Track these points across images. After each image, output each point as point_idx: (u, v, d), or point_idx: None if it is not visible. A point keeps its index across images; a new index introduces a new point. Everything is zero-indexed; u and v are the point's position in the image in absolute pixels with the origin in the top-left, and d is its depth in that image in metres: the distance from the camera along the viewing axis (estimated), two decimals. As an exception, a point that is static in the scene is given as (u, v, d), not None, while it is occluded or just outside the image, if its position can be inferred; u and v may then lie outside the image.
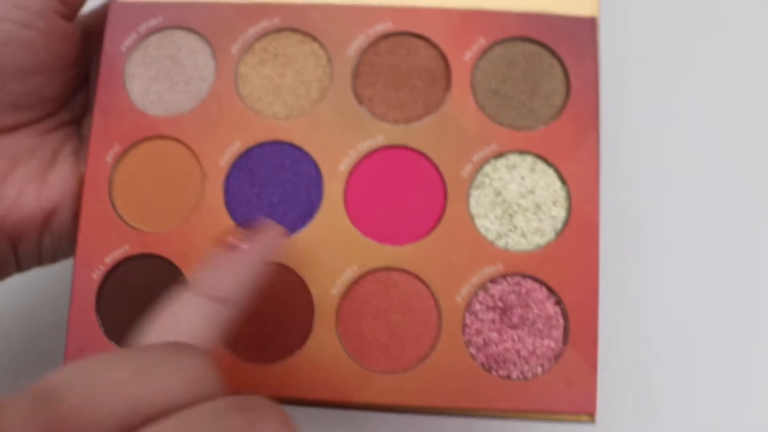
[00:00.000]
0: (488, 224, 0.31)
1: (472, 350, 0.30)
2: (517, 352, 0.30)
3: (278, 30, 0.32)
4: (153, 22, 0.33)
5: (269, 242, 0.27)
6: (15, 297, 0.39)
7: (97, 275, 0.31)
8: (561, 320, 0.30)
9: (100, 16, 0.35)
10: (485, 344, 0.30)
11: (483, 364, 0.30)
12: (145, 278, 0.31)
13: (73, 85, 0.33)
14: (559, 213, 0.31)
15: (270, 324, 0.31)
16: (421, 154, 0.31)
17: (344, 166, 0.31)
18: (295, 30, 0.32)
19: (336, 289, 0.31)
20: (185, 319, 0.24)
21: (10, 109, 0.31)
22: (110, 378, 0.19)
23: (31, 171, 0.32)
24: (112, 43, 0.33)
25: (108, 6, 0.33)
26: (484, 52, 0.32)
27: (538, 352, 0.30)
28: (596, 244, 0.30)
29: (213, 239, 0.31)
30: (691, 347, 0.36)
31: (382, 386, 0.30)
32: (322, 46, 0.32)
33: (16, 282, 0.34)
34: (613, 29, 0.35)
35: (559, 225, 0.30)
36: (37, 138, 0.32)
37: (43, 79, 0.32)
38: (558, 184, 0.31)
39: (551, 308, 0.30)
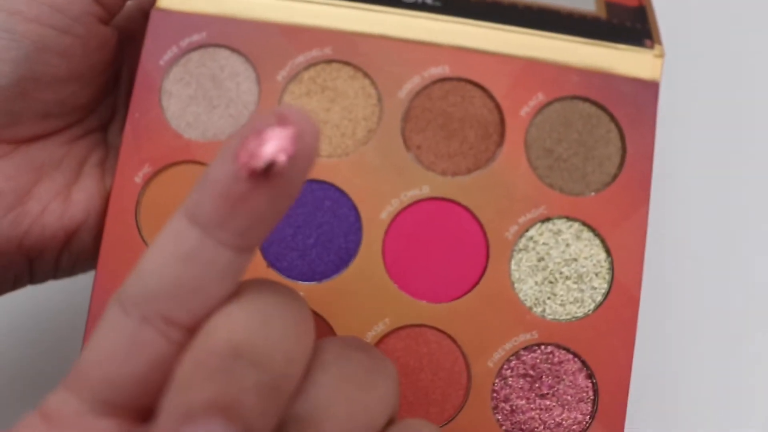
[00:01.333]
0: (527, 289, 0.30)
1: (499, 416, 0.29)
2: (544, 422, 0.30)
3: (329, 61, 0.31)
4: (196, 38, 0.31)
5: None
6: (31, 306, 0.38)
7: (117, 302, 0.30)
8: (591, 394, 0.30)
9: (135, 18, 0.33)
10: (512, 411, 0.30)
11: (508, 431, 0.29)
12: (167, 309, 0.30)
13: (104, 90, 0.32)
14: (601, 285, 0.30)
15: (294, 369, 0.30)
16: (466, 209, 0.30)
17: (386, 214, 0.30)
18: (346, 63, 0.31)
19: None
20: None
21: (40, 119, 0.29)
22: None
23: (56, 185, 0.30)
24: (150, 56, 0.31)
25: (149, 13, 0.31)
26: (542, 108, 0.30)
27: (565, 423, 0.29)
28: (635, 320, 0.30)
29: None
30: (718, 416, 0.36)
31: (405, 445, 0.29)
32: (373, 83, 0.31)
33: (34, 291, 0.33)
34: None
35: (599, 297, 0.30)
36: (64, 147, 0.31)
37: (76, 87, 0.30)
38: (603, 255, 0.30)
39: (582, 381, 0.30)
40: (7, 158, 0.29)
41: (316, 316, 0.30)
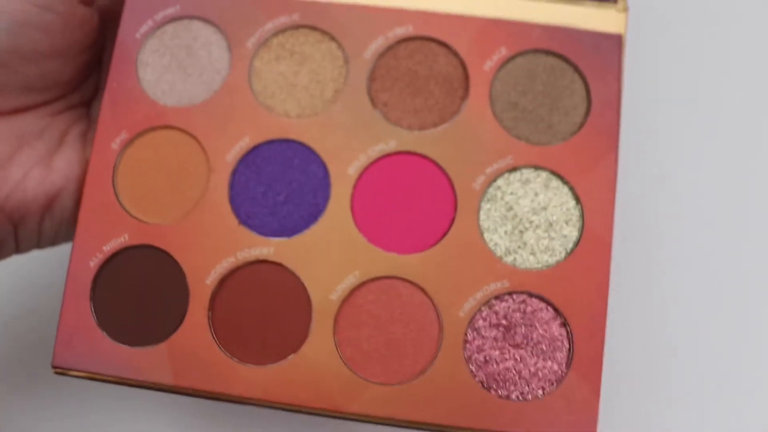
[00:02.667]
0: (497, 239, 0.30)
1: (472, 367, 0.29)
2: (518, 372, 0.29)
3: (297, 27, 0.32)
4: (170, 11, 0.32)
5: None
6: (10, 279, 0.39)
7: (94, 263, 0.31)
8: (566, 343, 0.29)
9: (118, 2, 0.34)
10: (486, 362, 0.29)
11: (482, 383, 0.29)
12: (142, 270, 0.31)
13: (86, 69, 0.33)
14: (571, 232, 0.30)
15: (265, 325, 0.30)
16: (433, 162, 0.30)
17: (353, 169, 0.30)
18: (314, 28, 0.32)
19: (336, 295, 0.30)
20: None
21: (22, 91, 0.31)
22: None
23: (37, 154, 0.31)
24: (127, 30, 0.32)
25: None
26: (505, 62, 0.31)
27: (540, 373, 0.29)
28: (608, 266, 0.29)
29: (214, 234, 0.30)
30: (697, 373, 0.35)
31: (378, 398, 0.29)
32: (339, 46, 0.32)
33: (13, 264, 0.33)
34: (637, 48, 0.34)
35: (570, 245, 0.30)
36: (46, 119, 0.32)
37: (57, 62, 0.31)
38: (572, 202, 0.30)
39: (556, 330, 0.29)
40: None
41: (286, 270, 0.30)
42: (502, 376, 0.29)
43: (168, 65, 0.32)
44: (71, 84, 0.33)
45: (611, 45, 0.31)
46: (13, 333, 0.39)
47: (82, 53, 0.32)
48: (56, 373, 0.30)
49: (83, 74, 0.33)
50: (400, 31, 0.31)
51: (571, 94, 0.31)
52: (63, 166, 0.32)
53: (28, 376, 0.39)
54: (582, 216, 0.30)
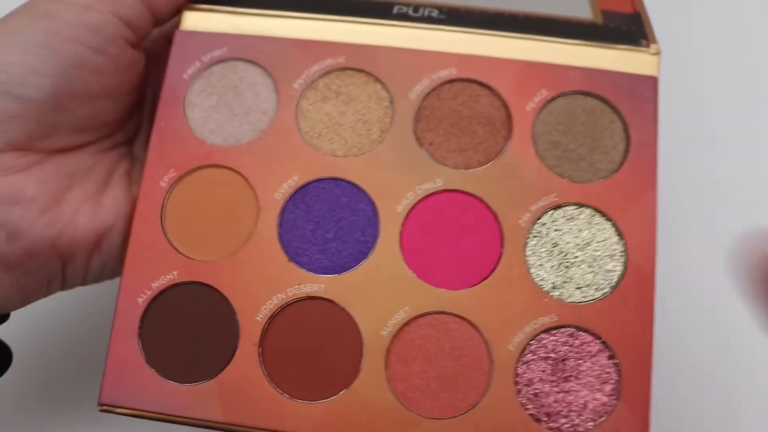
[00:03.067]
0: (543, 274, 0.30)
1: (523, 400, 0.29)
2: (569, 404, 0.29)
3: (342, 69, 0.33)
4: (217, 53, 0.33)
5: None
6: (60, 312, 0.39)
7: (142, 300, 0.31)
8: (614, 375, 0.30)
9: (160, 44, 0.35)
10: (536, 395, 0.30)
11: (533, 416, 0.29)
12: (191, 306, 0.31)
13: (131, 109, 0.34)
14: (615, 267, 0.30)
15: (316, 361, 0.30)
16: (480, 200, 0.31)
17: (402, 207, 0.31)
18: (359, 70, 0.33)
19: (387, 331, 0.30)
20: None
21: (73, 132, 0.31)
22: None
23: (87, 191, 0.32)
24: (175, 71, 0.33)
25: (173, 35, 0.33)
26: (546, 103, 0.32)
27: (590, 406, 0.29)
28: (652, 300, 0.30)
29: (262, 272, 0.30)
30: (748, 403, 0.35)
31: (430, 432, 0.29)
32: (384, 87, 0.32)
33: (60, 299, 0.33)
34: (672, 89, 0.35)
35: (614, 279, 0.30)
36: (93, 158, 0.32)
37: (107, 103, 0.32)
38: (615, 238, 0.31)
39: (604, 362, 0.30)
40: (39, 166, 0.31)
41: (337, 307, 0.30)
42: (552, 409, 0.29)
43: (215, 105, 0.33)
44: (118, 123, 0.33)
45: (647, 86, 0.32)
46: (59, 370, 0.38)
47: (129, 94, 0.33)
48: (102, 410, 0.30)
49: (129, 114, 0.34)
50: (444, 74, 0.32)
51: (611, 134, 0.32)
52: (111, 204, 0.32)
53: (74, 414, 0.38)
54: (625, 251, 0.30)
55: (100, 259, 0.32)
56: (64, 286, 0.32)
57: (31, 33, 0.30)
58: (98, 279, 0.33)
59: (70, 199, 0.31)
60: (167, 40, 0.34)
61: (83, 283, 0.33)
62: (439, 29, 0.33)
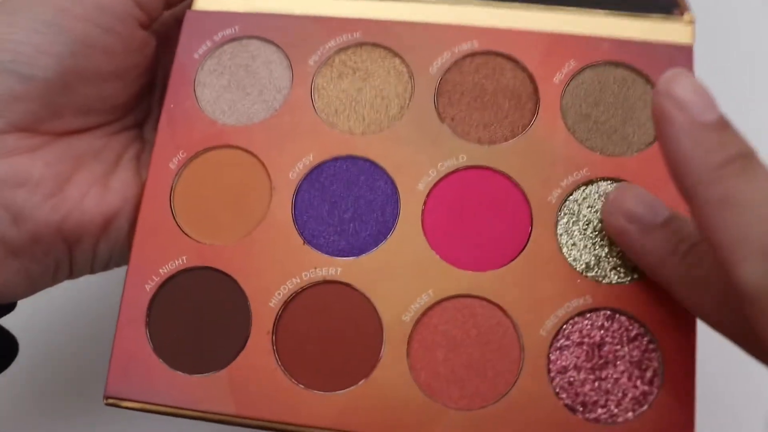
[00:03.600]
0: (576, 254, 0.28)
1: (557, 389, 0.27)
2: (606, 393, 0.27)
3: (359, 44, 0.31)
4: (229, 31, 0.32)
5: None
6: (65, 303, 0.37)
7: (150, 287, 0.29)
8: (655, 361, 0.27)
9: (170, 26, 0.34)
10: (571, 383, 0.27)
11: (568, 406, 0.27)
12: (201, 293, 0.29)
13: (142, 91, 0.32)
14: (654, 245, 0.28)
15: (334, 349, 0.28)
16: (506, 176, 0.29)
17: (423, 185, 0.29)
18: (376, 45, 0.31)
19: (408, 316, 0.28)
20: None
21: (81, 113, 0.30)
22: None
23: (95, 174, 0.30)
24: (185, 51, 0.32)
25: (184, 15, 0.32)
26: (575, 74, 0.30)
27: (630, 394, 0.27)
28: (694, 280, 0.28)
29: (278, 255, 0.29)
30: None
31: (457, 424, 0.27)
32: (403, 62, 0.31)
33: (66, 288, 0.32)
34: (705, 58, 0.33)
35: (653, 258, 0.28)
36: (102, 140, 0.31)
37: (117, 85, 0.31)
38: (653, 214, 0.29)
39: (644, 347, 0.27)
40: (47, 147, 0.29)
41: (355, 291, 0.28)
42: (589, 398, 0.27)
43: (227, 85, 0.31)
44: (127, 106, 0.32)
45: (683, 56, 0.30)
46: (64, 362, 0.37)
47: (140, 76, 0.32)
48: (108, 404, 0.28)
49: (139, 97, 0.32)
50: (466, 47, 0.31)
51: (645, 105, 0.30)
52: (119, 187, 0.31)
53: (79, 407, 0.37)
54: (664, 228, 0.28)
55: (108, 244, 0.30)
56: (71, 273, 0.31)
57: (39, 10, 0.29)
58: (106, 266, 0.31)
59: (77, 182, 0.30)
60: (179, 23, 0.33)
61: (91, 270, 0.31)
62: (459, 3, 0.31)
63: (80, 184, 0.30)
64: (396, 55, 0.31)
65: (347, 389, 0.28)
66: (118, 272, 0.31)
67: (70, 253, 0.30)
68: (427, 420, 0.27)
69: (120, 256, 0.31)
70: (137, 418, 0.29)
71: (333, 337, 0.28)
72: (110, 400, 0.28)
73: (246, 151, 0.30)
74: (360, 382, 0.28)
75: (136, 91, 0.32)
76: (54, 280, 0.31)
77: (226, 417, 0.28)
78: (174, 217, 0.30)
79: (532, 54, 0.30)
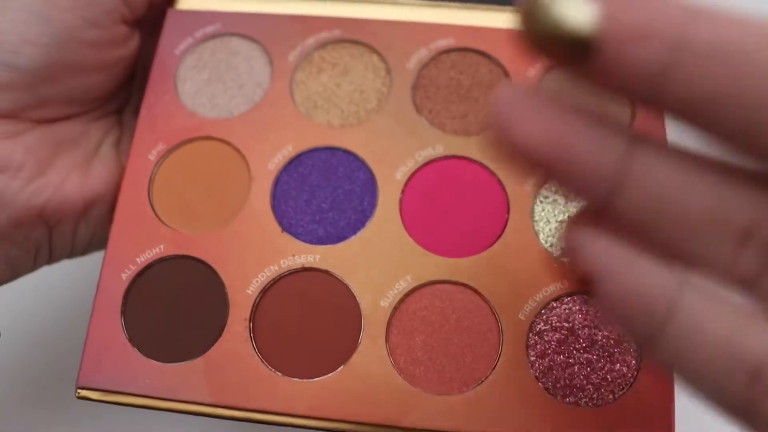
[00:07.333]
0: (552, 240, 0.29)
1: (536, 373, 0.27)
2: (586, 377, 0.27)
3: (338, 41, 0.32)
4: (210, 29, 0.32)
5: None
6: (39, 293, 0.37)
7: (127, 276, 0.29)
8: (633, 344, 0.27)
9: (154, 21, 0.34)
10: (550, 368, 0.27)
11: (548, 390, 0.27)
12: (178, 281, 0.29)
13: (124, 82, 0.33)
14: (629, 232, 0.29)
15: (312, 336, 0.28)
16: (483, 165, 0.30)
17: (401, 174, 0.30)
18: (355, 42, 0.32)
19: (387, 301, 0.28)
20: None
21: (65, 103, 0.30)
22: None
23: (75, 159, 0.30)
24: (166, 47, 0.32)
25: (165, 13, 0.33)
26: (549, 69, 0.31)
27: (609, 377, 0.27)
28: (670, 264, 0.28)
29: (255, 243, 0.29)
30: None
31: (435, 409, 0.27)
32: (381, 58, 0.31)
33: (41, 276, 0.31)
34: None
35: (629, 244, 0.28)
36: (82, 126, 0.31)
37: (101, 77, 0.31)
38: (627, 202, 0.29)
39: (622, 330, 0.27)
40: (28, 133, 0.29)
41: (333, 277, 0.28)
42: (568, 382, 0.27)
43: (208, 79, 0.32)
44: (109, 97, 0.32)
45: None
46: (39, 352, 0.36)
47: (124, 69, 0.32)
48: (80, 397, 0.28)
49: (121, 87, 0.33)
50: (442, 43, 0.31)
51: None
52: (100, 171, 0.31)
53: (54, 398, 0.36)
54: (638, 215, 0.29)
55: (87, 227, 0.30)
56: (51, 257, 0.31)
57: (27, 1, 0.29)
58: (86, 250, 0.31)
59: (57, 167, 0.30)
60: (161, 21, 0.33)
61: (71, 253, 0.31)
62: (436, 5, 0.32)
63: (60, 168, 0.30)
64: (374, 51, 0.32)
65: (325, 376, 0.27)
66: (98, 261, 0.31)
67: (50, 235, 0.30)
68: (406, 405, 0.27)
69: (99, 240, 0.31)
70: (112, 411, 0.28)
71: (311, 323, 0.28)
72: (82, 392, 0.28)
73: (225, 142, 0.30)
74: (338, 369, 0.27)
75: (118, 82, 0.32)
76: (34, 265, 0.30)
77: (200, 406, 0.27)
78: (152, 207, 0.30)
79: (506, 50, 0.31)
